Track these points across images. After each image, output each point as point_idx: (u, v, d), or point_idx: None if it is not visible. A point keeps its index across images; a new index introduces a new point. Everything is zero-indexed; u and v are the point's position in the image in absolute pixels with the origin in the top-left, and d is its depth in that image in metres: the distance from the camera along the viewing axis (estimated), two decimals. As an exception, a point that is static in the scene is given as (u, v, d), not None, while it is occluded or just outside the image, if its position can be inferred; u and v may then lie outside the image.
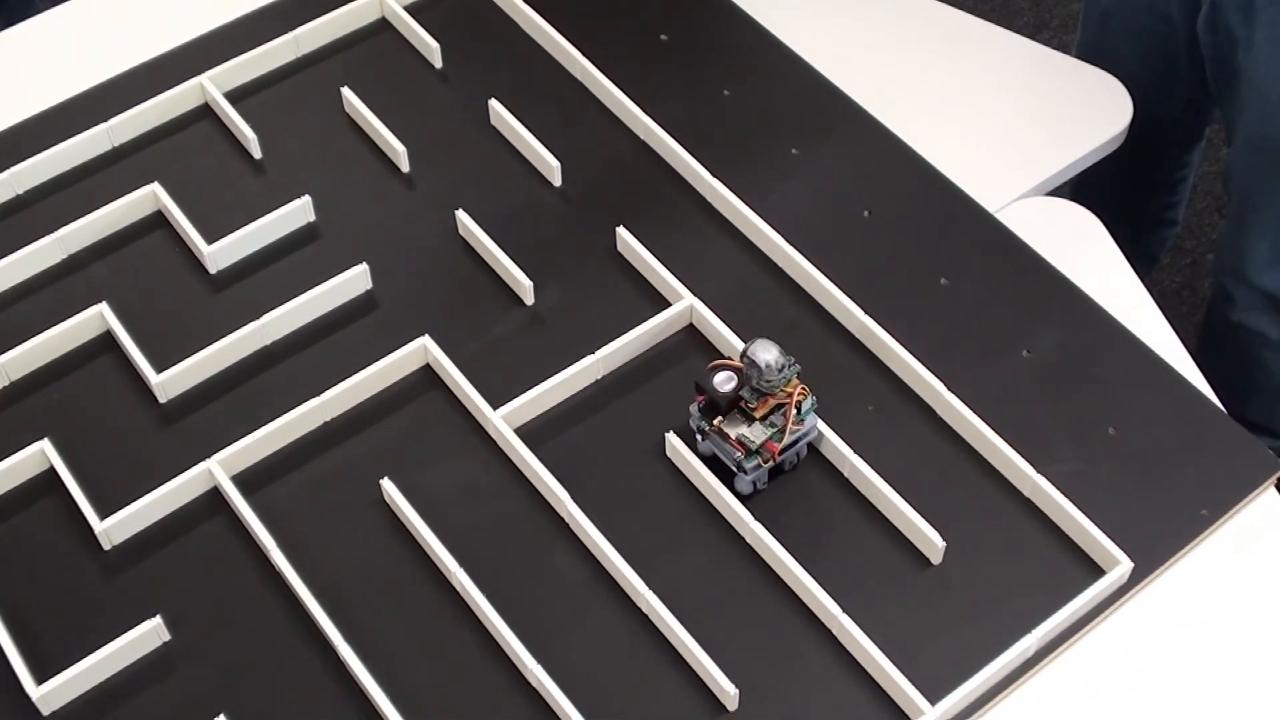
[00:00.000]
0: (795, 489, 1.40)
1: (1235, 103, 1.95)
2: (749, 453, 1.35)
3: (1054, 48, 1.83)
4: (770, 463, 1.36)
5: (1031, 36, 1.83)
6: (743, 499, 1.37)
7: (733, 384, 1.35)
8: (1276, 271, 2.07)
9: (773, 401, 1.35)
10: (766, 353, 1.32)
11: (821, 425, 1.41)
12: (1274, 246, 2.04)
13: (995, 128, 1.72)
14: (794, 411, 1.35)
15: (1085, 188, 2.35)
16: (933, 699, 1.26)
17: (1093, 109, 1.74)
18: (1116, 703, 1.31)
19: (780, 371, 1.33)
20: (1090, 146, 1.70)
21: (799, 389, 1.36)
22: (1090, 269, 1.57)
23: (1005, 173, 1.67)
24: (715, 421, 1.36)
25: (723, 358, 1.44)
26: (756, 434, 1.35)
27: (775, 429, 1.35)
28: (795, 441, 1.37)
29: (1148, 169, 2.35)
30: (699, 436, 1.39)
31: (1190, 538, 1.38)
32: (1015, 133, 1.71)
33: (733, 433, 1.35)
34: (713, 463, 1.39)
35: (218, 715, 1.28)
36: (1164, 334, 1.53)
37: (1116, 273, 1.60)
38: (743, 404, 1.36)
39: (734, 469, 1.36)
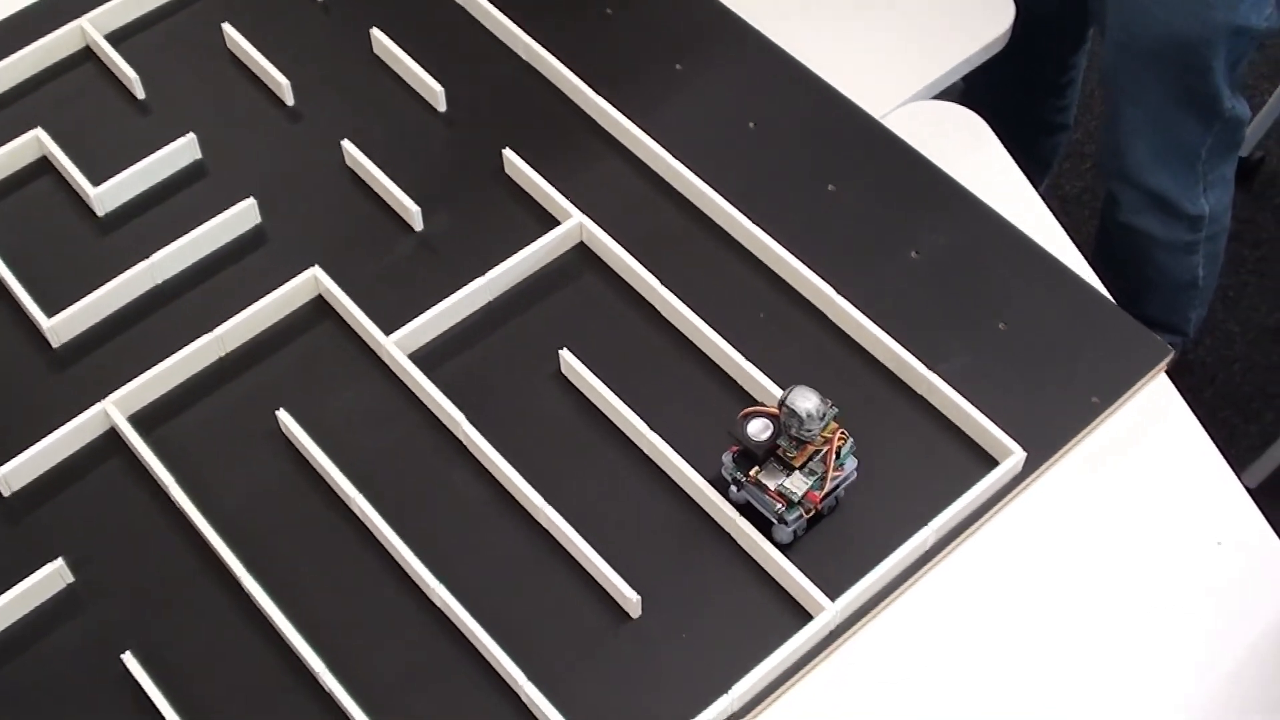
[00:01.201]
0: (697, 402, 1.41)
1: (1102, 1, 1.96)
2: (790, 504, 1.29)
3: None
4: (811, 513, 1.30)
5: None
6: (782, 549, 1.32)
7: (769, 433, 1.29)
8: (1157, 170, 2.09)
9: (811, 449, 1.29)
10: (807, 401, 1.25)
11: (715, 335, 1.41)
12: (1151, 145, 2.06)
13: (878, 34, 1.73)
14: (834, 458, 1.29)
15: (976, 94, 2.36)
16: (833, 595, 1.28)
17: (975, 12, 1.74)
18: (1016, 591, 1.33)
19: (821, 419, 1.26)
20: (973, 49, 1.71)
21: (838, 433, 1.29)
22: (976, 169, 1.58)
23: (890, 79, 1.68)
24: (752, 472, 1.30)
25: (752, 406, 1.34)
26: (797, 484, 1.28)
27: (816, 476, 1.29)
28: (836, 487, 1.31)
29: (1035, 73, 2.36)
30: (734, 487, 1.33)
31: (1082, 426, 1.39)
32: (898, 39, 1.72)
33: (772, 484, 1.29)
34: (747, 510, 1.33)
35: (125, 651, 1.28)
36: (1051, 229, 1.55)
37: (1002, 172, 1.61)
38: (780, 452, 1.30)
39: (774, 520, 1.30)
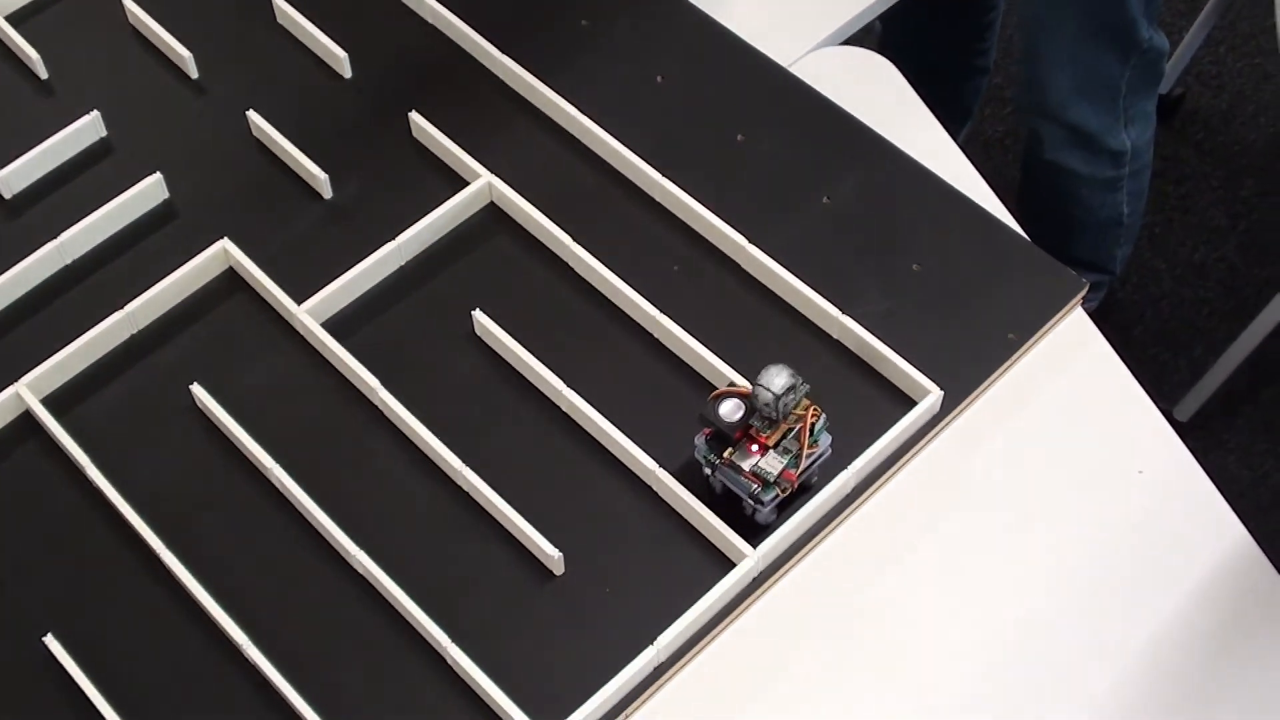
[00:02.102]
0: (612, 357, 1.40)
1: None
2: (766, 485, 1.28)
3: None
4: (789, 491, 1.29)
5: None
6: (764, 529, 1.30)
7: (740, 413, 1.27)
8: (1078, 105, 2.09)
9: (785, 426, 1.28)
10: (778, 378, 1.24)
11: (629, 289, 1.41)
12: (1071, 79, 2.06)
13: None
14: (808, 435, 1.28)
15: (892, 40, 2.37)
16: (754, 542, 1.28)
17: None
18: (939, 530, 1.33)
19: (793, 395, 1.26)
20: (877, -8, 1.71)
21: (810, 410, 1.28)
22: (886, 113, 1.57)
23: (797, 26, 1.67)
24: (725, 454, 1.28)
25: (721, 388, 1.37)
26: (772, 464, 1.27)
27: (790, 455, 1.28)
28: (811, 464, 1.30)
29: (951, 13, 2.36)
30: (707, 470, 1.31)
31: (999, 363, 1.40)
32: (803, -14, 1.72)
33: (746, 465, 1.27)
34: (725, 495, 1.31)
35: (46, 634, 1.27)
36: (964, 170, 1.55)
37: (913, 115, 1.61)
38: (753, 431, 1.28)
39: (749, 501, 1.29)
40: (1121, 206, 2.28)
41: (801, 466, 1.27)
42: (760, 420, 1.27)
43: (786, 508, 1.30)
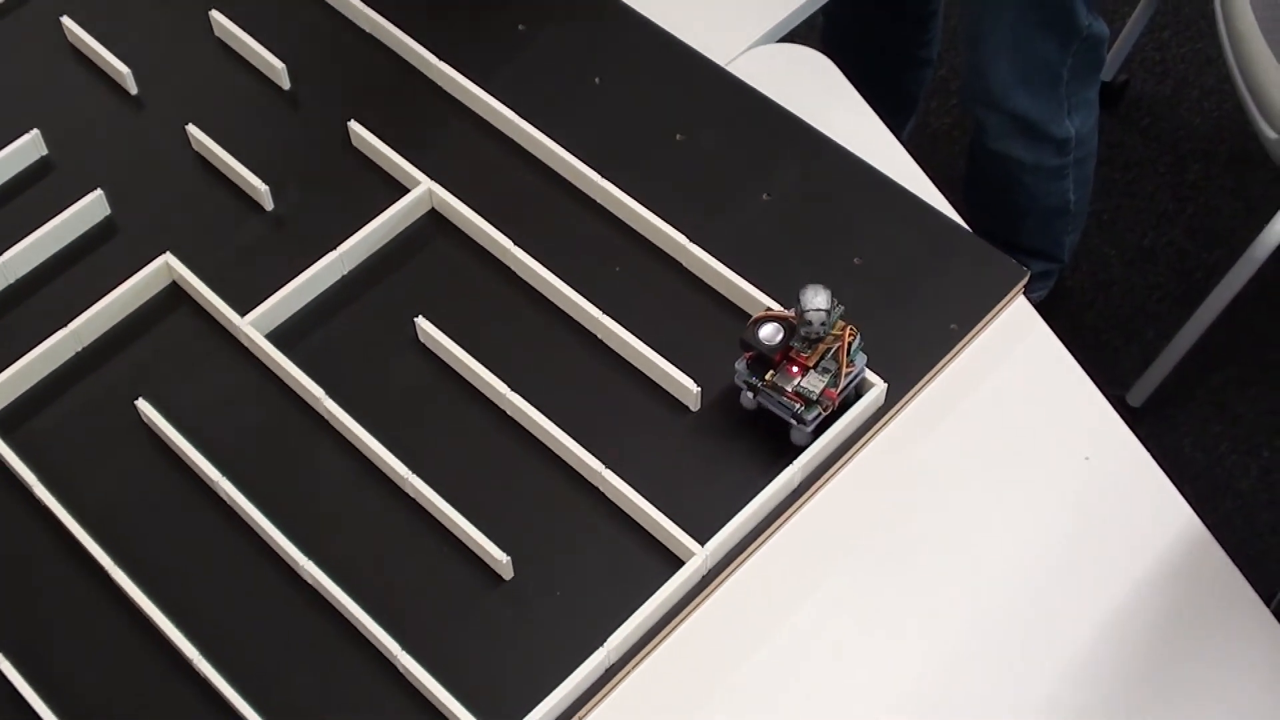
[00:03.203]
0: (555, 360, 1.41)
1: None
2: (809, 404, 1.31)
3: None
4: (829, 410, 1.32)
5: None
6: (798, 450, 1.34)
7: (781, 335, 1.30)
8: (1020, 93, 2.10)
9: (823, 347, 1.31)
10: (819, 296, 1.27)
11: (571, 292, 1.42)
12: (1013, 67, 2.07)
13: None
14: (845, 353, 1.30)
15: (834, 35, 2.38)
16: (702, 540, 1.28)
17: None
18: (888, 522, 1.34)
19: (832, 315, 1.29)
20: (813, -12, 1.72)
21: (848, 330, 1.31)
22: (824, 108, 1.58)
23: (733, 25, 1.68)
24: (768, 376, 1.31)
25: (761, 311, 1.36)
26: (814, 384, 1.30)
27: (830, 374, 1.30)
28: (850, 383, 1.33)
29: (893, 9, 2.37)
30: (749, 394, 1.34)
31: (942, 354, 1.40)
32: (739, -16, 1.72)
33: (788, 386, 1.30)
34: (760, 414, 1.35)
35: (-4, 655, 1.28)
36: (903, 163, 1.56)
37: (851, 110, 1.62)
38: (794, 353, 1.31)
39: (792, 421, 1.32)
40: (1068, 194, 2.29)
41: (841, 385, 1.30)
42: (800, 341, 1.30)
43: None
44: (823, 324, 1.28)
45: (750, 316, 1.38)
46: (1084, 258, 2.70)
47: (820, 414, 1.31)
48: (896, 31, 2.43)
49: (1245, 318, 2.53)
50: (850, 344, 1.31)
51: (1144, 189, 2.80)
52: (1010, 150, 2.20)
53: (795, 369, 1.31)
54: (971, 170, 2.37)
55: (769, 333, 1.31)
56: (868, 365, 1.36)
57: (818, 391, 1.30)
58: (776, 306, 1.38)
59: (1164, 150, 2.85)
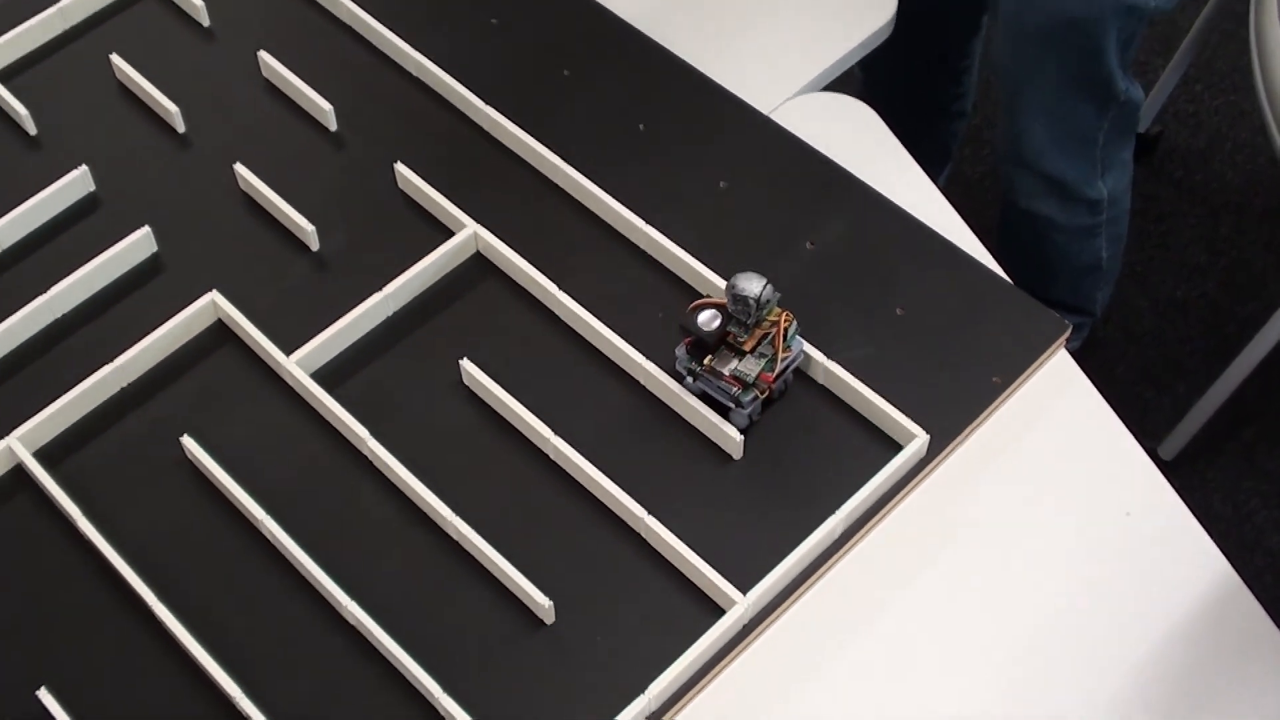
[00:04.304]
0: (595, 401, 1.41)
1: (994, -16, 1.99)
2: (745, 386, 1.34)
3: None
4: (766, 393, 1.36)
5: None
6: (742, 431, 1.37)
7: (718, 321, 1.34)
8: (1054, 156, 2.11)
9: (759, 332, 1.35)
10: (754, 285, 1.31)
11: (615, 337, 1.42)
12: (1048, 130, 2.07)
13: (762, 31, 1.73)
14: (782, 339, 1.34)
15: (873, 84, 2.39)
16: (744, 589, 1.28)
17: (859, 3, 1.75)
18: (929, 574, 1.34)
19: (768, 302, 1.32)
20: (857, 40, 1.72)
21: (784, 315, 1.35)
22: (867, 158, 1.59)
23: (777, 74, 1.69)
24: (706, 361, 1.35)
25: (701, 297, 1.43)
26: (750, 367, 1.34)
27: (766, 359, 1.35)
28: (786, 368, 1.37)
29: (929, 61, 2.38)
30: (689, 378, 1.38)
31: (984, 406, 1.41)
32: (782, 34, 1.73)
33: (725, 369, 1.34)
34: (704, 400, 1.39)
35: (40, 688, 1.28)
36: (945, 214, 1.56)
37: (894, 159, 1.62)
38: (731, 338, 1.35)
39: (730, 405, 1.36)
40: (1100, 252, 2.30)
41: (777, 369, 1.35)
42: (737, 326, 1.34)
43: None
44: (754, 306, 1.31)
45: (799, 370, 1.39)
46: (1116, 309, 2.70)
47: (757, 397, 1.35)
48: (933, 84, 2.44)
49: (1278, 373, 2.53)
50: (786, 329, 1.35)
51: (1177, 241, 2.80)
52: (1042, 210, 2.20)
53: (732, 353, 1.35)
54: (1003, 226, 2.38)
55: (706, 318, 1.35)
56: (910, 421, 1.36)
57: (754, 375, 1.34)
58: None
59: (1197, 203, 2.86)
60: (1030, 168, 2.14)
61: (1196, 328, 2.70)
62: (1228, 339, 2.67)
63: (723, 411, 1.38)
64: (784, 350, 1.35)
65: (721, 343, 1.36)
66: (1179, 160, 2.93)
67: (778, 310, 1.35)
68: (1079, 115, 2.04)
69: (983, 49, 2.44)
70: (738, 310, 1.33)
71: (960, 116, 2.54)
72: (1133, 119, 2.12)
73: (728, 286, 1.32)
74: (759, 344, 1.35)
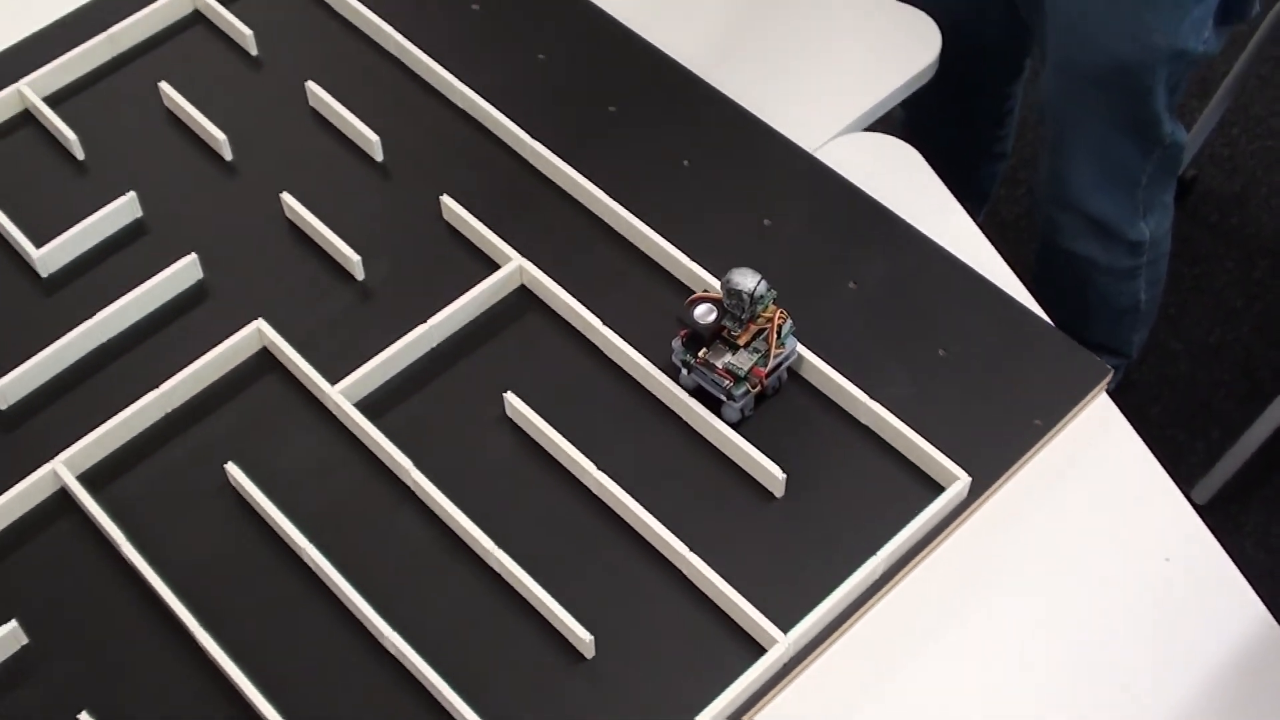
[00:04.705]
0: (638, 436, 1.42)
1: (1043, 28, 1.98)
2: (737, 380, 1.38)
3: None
4: (758, 388, 1.39)
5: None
6: (733, 427, 1.40)
7: (714, 315, 1.38)
8: (1098, 196, 2.11)
9: (754, 328, 1.39)
10: (748, 280, 1.35)
11: (659, 373, 1.43)
12: (1092, 171, 2.08)
13: (808, 69, 1.74)
14: (776, 335, 1.38)
15: (914, 125, 2.39)
16: (785, 628, 1.29)
17: (902, 43, 1.77)
18: (967, 616, 1.34)
19: (762, 297, 1.36)
20: (901, 80, 1.73)
21: (779, 313, 1.38)
22: (911, 198, 1.60)
23: (821, 112, 1.69)
24: (700, 354, 1.39)
25: (698, 292, 1.47)
26: (743, 361, 1.38)
27: (759, 354, 1.38)
28: (780, 364, 1.40)
29: (971, 102, 2.39)
30: (684, 370, 1.42)
31: (1025, 449, 1.41)
32: (828, 73, 1.74)
33: (719, 362, 1.38)
34: (698, 394, 1.42)
35: (81, 711, 1.28)
36: (988, 255, 1.56)
37: (937, 199, 1.63)
38: (725, 333, 1.39)
39: (723, 398, 1.39)
40: (1139, 294, 2.30)
41: (770, 365, 1.38)
42: (731, 321, 1.38)
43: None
44: (748, 301, 1.35)
45: (840, 407, 1.40)
46: (1150, 352, 2.70)
47: (749, 391, 1.39)
48: (974, 124, 2.45)
49: (1312, 419, 2.53)
50: (781, 326, 1.38)
51: (1212, 285, 2.80)
52: (1084, 250, 2.20)
53: (726, 347, 1.39)
54: (1042, 266, 2.38)
55: (702, 311, 1.38)
56: (952, 462, 1.36)
57: (746, 369, 1.37)
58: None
59: (1232, 247, 2.86)
60: (1073, 208, 2.14)
61: (1230, 372, 2.70)
62: (1261, 384, 2.66)
63: (715, 406, 1.41)
64: (777, 347, 1.38)
65: (716, 337, 1.39)
66: (1214, 204, 2.93)
67: (773, 307, 1.38)
68: (1124, 157, 2.05)
69: (1023, 90, 2.45)
70: (732, 305, 1.36)
71: (1001, 158, 2.54)
72: (1176, 162, 2.12)
73: (723, 281, 1.36)
74: (753, 339, 1.39)
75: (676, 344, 1.41)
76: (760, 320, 1.38)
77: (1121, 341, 2.41)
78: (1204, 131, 2.85)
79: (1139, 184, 2.10)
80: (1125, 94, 1.94)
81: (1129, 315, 2.35)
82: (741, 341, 1.38)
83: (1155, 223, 2.18)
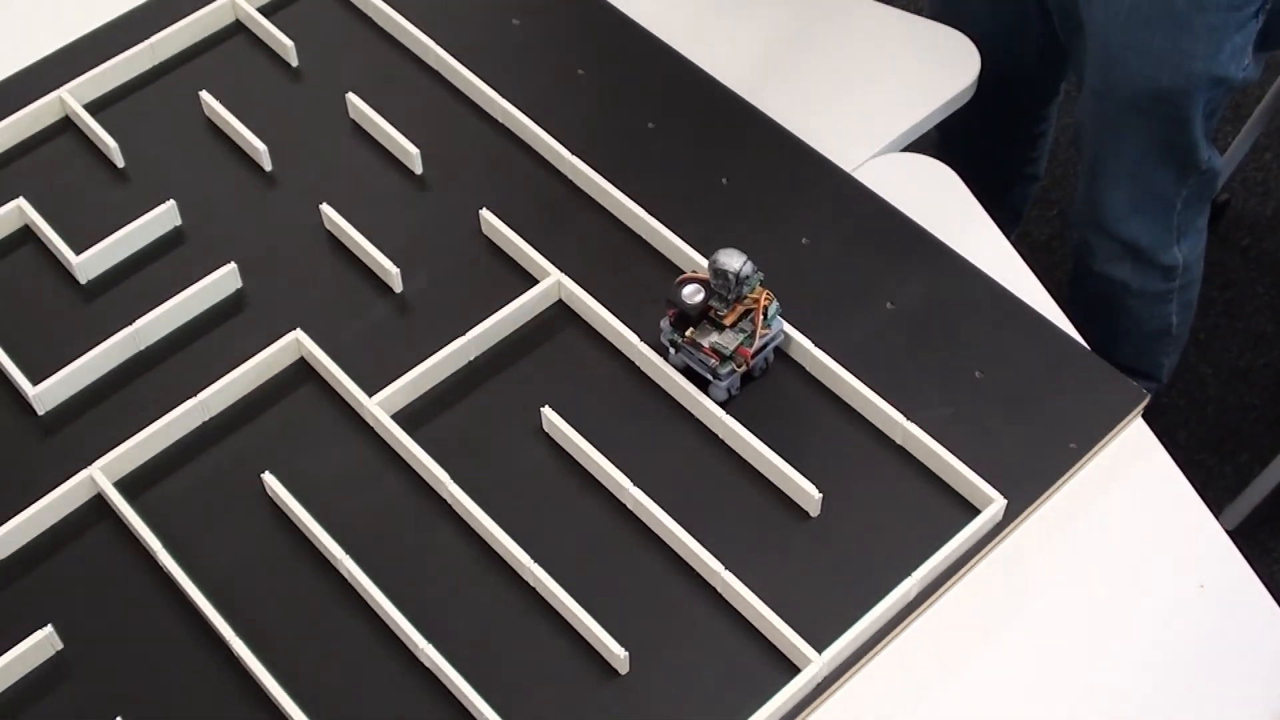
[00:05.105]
0: (673, 453, 1.42)
1: (1081, 53, 1.98)
2: (723, 359, 1.40)
3: (908, 11, 1.86)
4: (744, 367, 1.42)
5: (882, 2, 1.86)
6: (722, 405, 1.44)
7: (701, 295, 1.41)
8: (1132, 221, 2.11)
9: (741, 308, 1.41)
10: (734, 260, 1.37)
11: (695, 390, 1.43)
12: (1128, 195, 2.08)
13: (847, 90, 1.75)
14: (762, 316, 1.40)
15: (949, 145, 2.39)
16: (819, 647, 1.29)
17: (941, 65, 1.77)
18: (1001, 639, 1.34)
19: (748, 280, 1.38)
20: (939, 102, 1.73)
21: (765, 294, 1.41)
22: (948, 220, 1.60)
23: (859, 133, 1.70)
24: (687, 333, 1.42)
25: (687, 273, 1.49)
26: (729, 340, 1.41)
27: (745, 334, 1.41)
28: (765, 345, 1.43)
29: (1006, 124, 2.39)
30: (671, 349, 1.44)
31: (1061, 472, 1.41)
32: (867, 93, 1.74)
33: (705, 342, 1.41)
34: (687, 373, 1.45)
35: (116, 718, 1.29)
36: (1024, 278, 1.57)
37: (974, 221, 1.63)
38: (712, 313, 1.41)
39: (709, 377, 1.42)
40: (1171, 318, 2.30)
41: (755, 345, 1.41)
42: (718, 301, 1.40)
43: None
44: (733, 281, 1.37)
45: (877, 428, 1.40)
46: (1180, 376, 2.69)
47: (734, 370, 1.42)
48: (1008, 146, 2.45)
49: (1342, 445, 2.53)
50: (766, 308, 1.41)
51: (1242, 309, 2.80)
52: (1117, 274, 2.20)
53: (713, 327, 1.42)
54: (1075, 289, 2.37)
55: (690, 291, 1.41)
56: (988, 485, 1.36)
57: (732, 348, 1.40)
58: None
59: (1264, 271, 2.85)
60: (1107, 232, 2.14)
61: (1260, 396, 2.69)
62: (1291, 409, 2.66)
63: (703, 385, 1.44)
64: (763, 328, 1.41)
65: (704, 317, 1.42)
66: (1246, 228, 2.93)
67: (761, 289, 1.40)
68: (1160, 182, 2.05)
69: (1057, 112, 2.45)
70: (718, 285, 1.39)
71: (1033, 179, 2.54)
72: (1211, 187, 2.12)
73: (710, 261, 1.38)
74: (740, 320, 1.41)
75: (665, 323, 1.43)
76: (747, 301, 1.41)
77: (1152, 365, 2.40)
78: (1237, 156, 2.84)
79: (1174, 209, 2.09)
80: (1163, 120, 1.94)
81: (1160, 339, 2.34)
82: (728, 321, 1.41)
83: (1189, 247, 2.18)
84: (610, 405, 1.45)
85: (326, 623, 1.34)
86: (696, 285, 1.41)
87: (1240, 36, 1.84)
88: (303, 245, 1.59)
